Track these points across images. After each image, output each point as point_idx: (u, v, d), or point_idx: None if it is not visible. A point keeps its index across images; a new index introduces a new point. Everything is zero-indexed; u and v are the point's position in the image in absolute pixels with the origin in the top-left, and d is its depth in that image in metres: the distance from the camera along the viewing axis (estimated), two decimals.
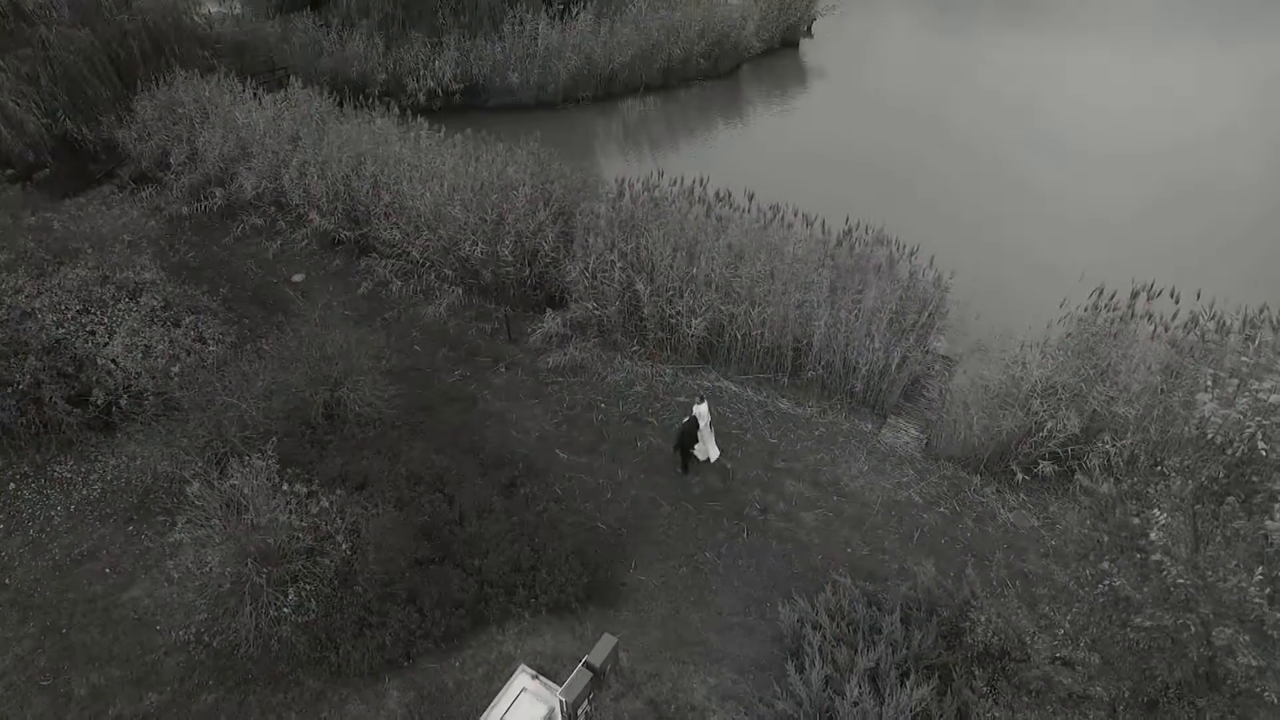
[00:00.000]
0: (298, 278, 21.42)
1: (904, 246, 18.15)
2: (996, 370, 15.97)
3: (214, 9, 35.25)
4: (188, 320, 15.97)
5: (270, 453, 11.50)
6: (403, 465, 14.29)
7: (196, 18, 30.89)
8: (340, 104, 24.80)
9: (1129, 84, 35.59)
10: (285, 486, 10.67)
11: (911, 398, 17.87)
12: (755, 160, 28.36)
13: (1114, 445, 14.36)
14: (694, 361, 18.56)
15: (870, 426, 17.25)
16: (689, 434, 15.33)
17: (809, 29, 40.75)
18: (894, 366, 16.83)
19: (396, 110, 24.07)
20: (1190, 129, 30.46)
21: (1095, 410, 15.02)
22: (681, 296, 17.93)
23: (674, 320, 18.11)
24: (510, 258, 19.18)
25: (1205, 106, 32.72)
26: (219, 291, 20.09)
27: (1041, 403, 15.08)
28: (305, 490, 11.07)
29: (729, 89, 35.66)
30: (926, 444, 16.71)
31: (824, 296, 17.26)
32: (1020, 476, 14.84)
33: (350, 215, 21.87)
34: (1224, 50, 39.69)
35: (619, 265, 18.19)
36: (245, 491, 10.38)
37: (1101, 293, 16.18)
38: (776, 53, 38.82)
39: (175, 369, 13.43)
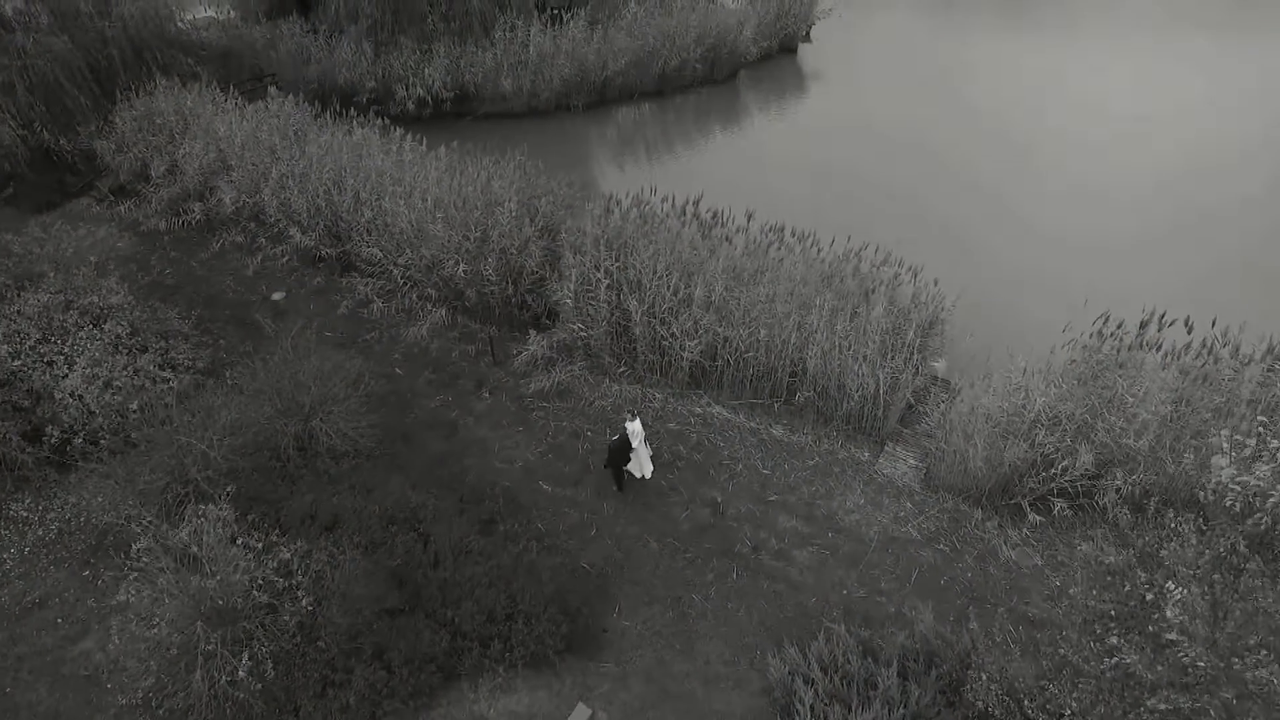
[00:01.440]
0: (278, 296, 20.78)
1: (904, 267, 17.51)
2: (998, 398, 15.31)
3: (201, 13, 34.64)
4: (156, 346, 15.32)
5: (226, 503, 10.85)
6: (376, 502, 13.64)
7: (180, 24, 30.26)
8: (321, 113, 24.07)
9: (1138, 90, 34.90)
10: (240, 542, 10.02)
11: (910, 423, 17.20)
12: (750, 171, 27.73)
13: (1125, 481, 13.76)
14: (684, 386, 17.90)
15: (867, 455, 16.59)
16: (620, 451, 14.73)
17: (807, 34, 40.05)
18: (889, 390, 16.18)
19: (379, 121, 23.34)
20: (1202, 143, 29.80)
21: (1102, 442, 14.37)
22: (675, 318, 17.29)
23: (666, 342, 17.47)
24: (494, 277, 18.55)
25: (1220, 118, 32.01)
26: (193, 312, 19.47)
27: (1047, 434, 14.42)
28: (263, 543, 10.42)
29: (725, 96, 34.99)
30: (925, 474, 16.05)
31: (824, 320, 16.60)
32: (1031, 516, 14.22)
33: (332, 231, 21.23)
34: (1238, 57, 38.97)
35: (605, 284, 17.53)
36: (197, 547, 9.73)
37: (1108, 319, 15.53)
38: (774, 58, 38.15)
39: (134, 405, 12.77)
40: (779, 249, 18.43)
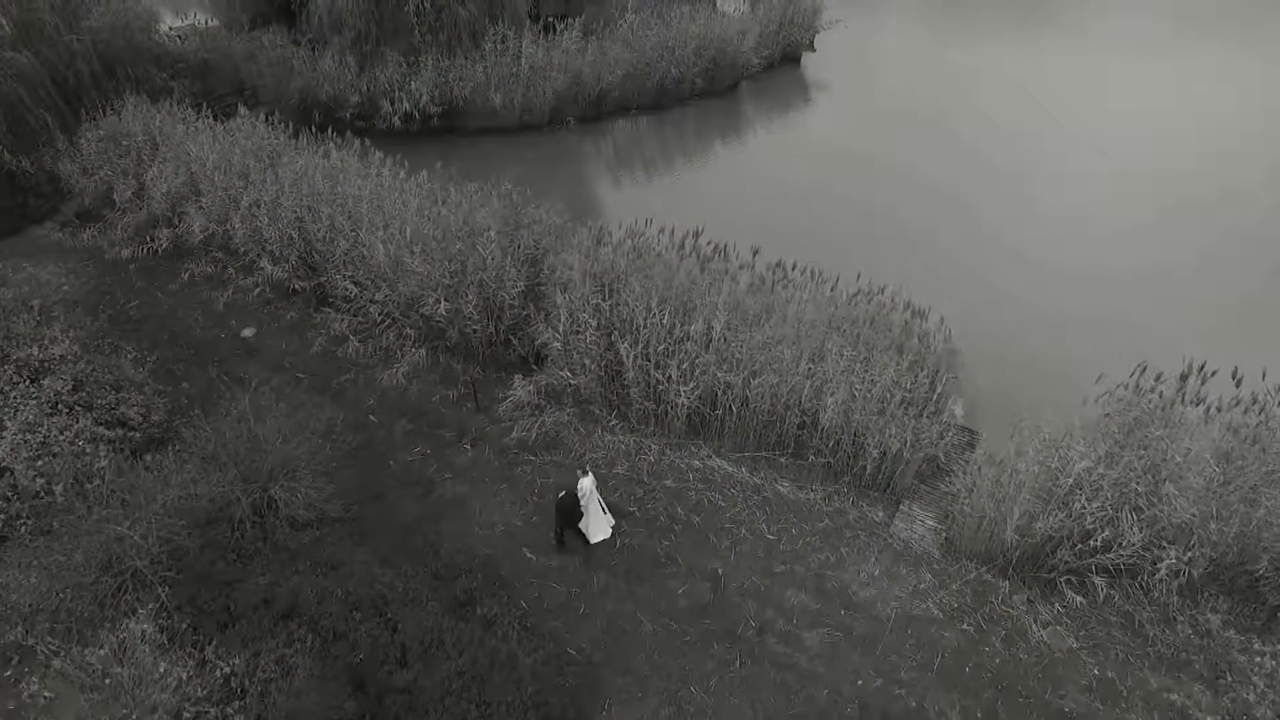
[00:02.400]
0: (248, 333, 19.41)
1: (922, 309, 16.15)
2: (1031, 458, 13.93)
3: (181, 21, 33.29)
4: (103, 402, 13.95)
5: (164, 592, 9.49)
6: (340, 582, 12.30)
7: (156, 36, 28.89)
8: (300, 131, 22.66)
9: (1155, 101, 33.54)
10: (163, 668, 8.65)
11: (928, 477, 15.84)
12: (751, 193, 26.38)
13: (1178, 559, 12.40)
14: (682, 436, 16.54)
15: (881, 514, 15.23)
16: (568, 512, 13.50)
17: (811, 43, 38.67)
18: (908, 448, 14.81)
19: (360, 141, 21.94)
20: (1228, 165, 28.39)
21: (1151, 515, 12.99)
22: (671, 360, 15.92)
23: (661, 387, 16.11)
24: (475, 314, 17.19)
25: (1245, 139, 30.58)
26: (154, 355, 18.16)
27: (1086, 501, 13.04)
28: (196, 660, 9.06)
29: (726, 109, 33.63)
30: (946, 538, 14.68)
31: (839, 369, 15.23)
32: (1072, 598, 12.89)
33: (306, 261, 19.87)
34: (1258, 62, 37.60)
35: (594, 325, 16.16)
36: (119, 666, 8.39)
37: (1144, 370, 14.14)
38: (777, 68, 36.77)
39: (59, 488, 11.39)
40: (785, 287, 17.05)
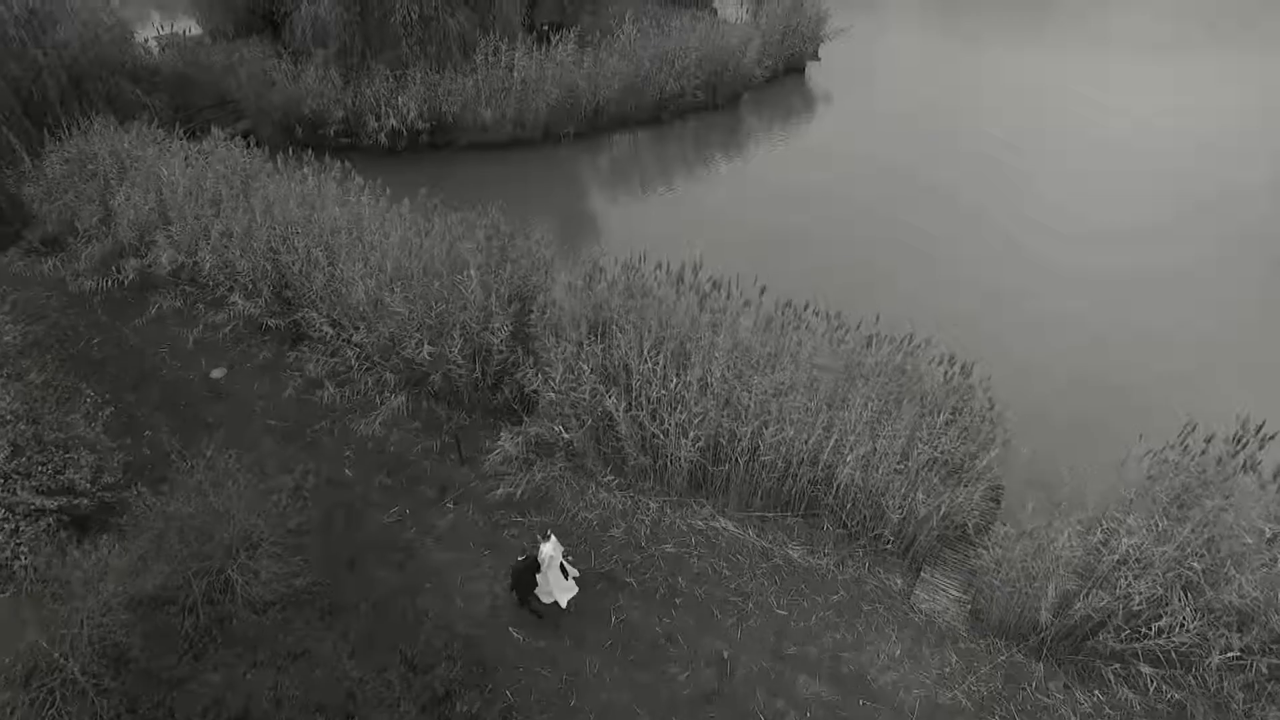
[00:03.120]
0: (217, 374, 18.12)
1: (948, 354, 14.88)
2: (1065, 527, 12.65)
3: (161, 31, 31.96)
4: (44, 468, 12.65)
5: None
6: (302, 678, 11.00)
7: (130, 48, 27.54)
8: (273, 156, 21.34)
9: (1165, 114, 32.26)
10: None
11: (951, 539, 14.55)
12: (754, 216, 25.08)
13: (1241, 646, 11.13)
14: (684, 492, 15.26)
15: (900, 582, 13.95)
16: (524, 576, 12.41)
17: (815, 52, 37.39)
18: (937, 517, 13.53)
19: (340, 164, 20.63)
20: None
21: (1199, 586, 11.73)
22: (670, 410, 14.63)
23: (658, 441, 14.82)
24: (459, 358, 15.90)
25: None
26: (118, 397, 16.91)
27: (1132, 579, 11.77)
28: None
29: (728, 123, 32.34)
30: (972, 610, 13.41)
31: (861, 420, 13.98)
32: (1121, 692, 11.62)
33: (280, 295, 18.57)
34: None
35: (588, 371, 14.87)
36: None
37: (1194, 429, 12.87)
38: (780, 79, 35.49)
39: None
40: (798, 328, 15.75)
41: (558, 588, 12.79)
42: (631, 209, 26.36)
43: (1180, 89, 34.63)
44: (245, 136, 26.78)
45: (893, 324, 15.68)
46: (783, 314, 15.98)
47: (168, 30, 33.45)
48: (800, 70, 36.45)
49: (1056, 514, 12.82)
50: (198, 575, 11.53)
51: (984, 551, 13.57)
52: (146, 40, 29.29)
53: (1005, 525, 13.83)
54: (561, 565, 12.87)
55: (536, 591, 12.76)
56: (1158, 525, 12.04)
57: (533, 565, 12.44)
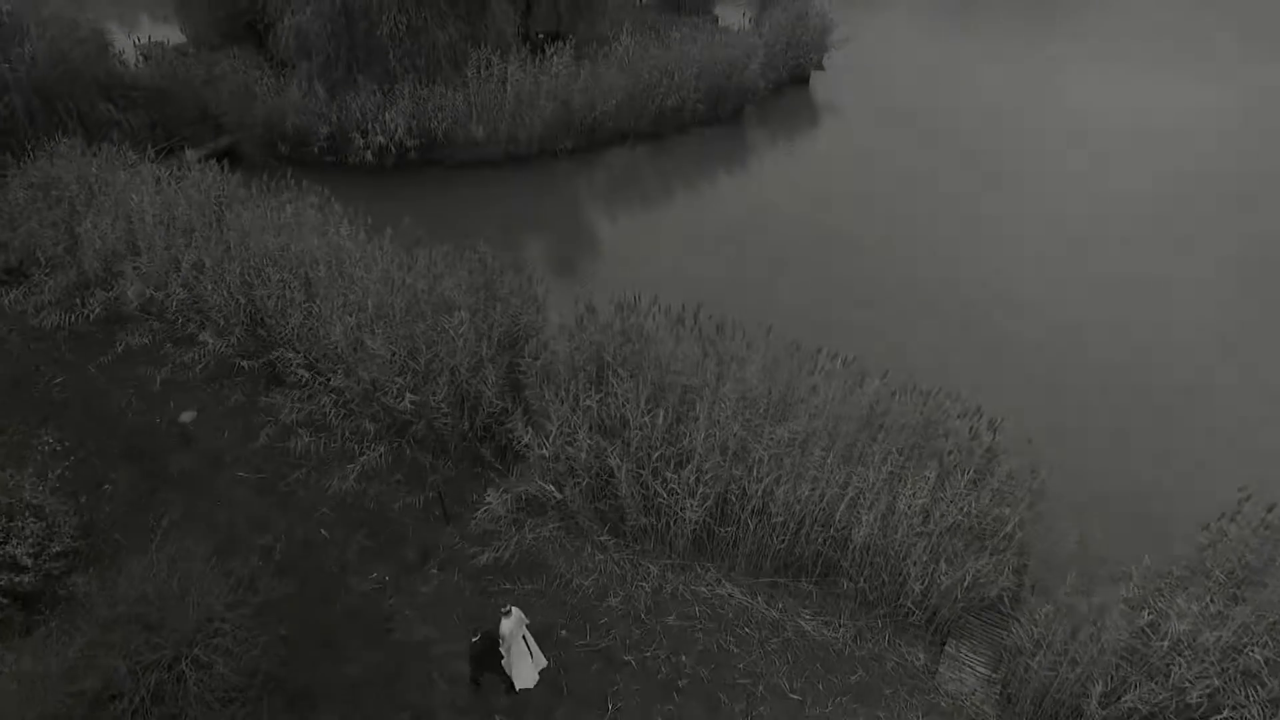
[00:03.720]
0: (186, 418, 16.90)
1: (974, 407, 13.72)
2: (1109, 603, 11.49)
3: (137, 42, 30.70)
4: None
5: None
6: None
7: (105, 60, 26.29)
8: (249, 181, 20.14)
9: (1183, 129, 31.10)
10: None
11: (976, 607, 13.35)
12: (757, 244, 23.88)
13: None
14: (687, 555, 14.07)
15: (923, 657, 12.80)
16: (482, 659, 11.43)
17: (819, 62, 36.20)
18: (962, 589, 12.36)
19: (320, 188, 19.43)
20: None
21: (1260, 677, 10.57)
22: (674, 468, 13.45)
23: (660, 500, 13.62)
24: (445, 407, 14.72)
25: None
26: (78, 445, 15.72)
27: (1186, 666, 10.60)
28: None
29: (730, 137, 31.18)
30: (1003, 693, 12.23)
31: (880, 478, 12.82)
32: None
33: (254, 333, 17.37)
34: None
35: (584, 427, 13.68)
36: None
37: (1250, 497, 11.69)
38: (784, 90, 34.30)
39: None
40: (812, 373, 14.58)
41: (520, 664, 11.69)
42: (627, 229, 25.21)
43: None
44: (225, 155, 25.62)
45: (913, 371, 14.56)
46: (793, 358, 14.81)
47: (152, 39, 32.28)
48: (804, 81, 35.27)
49: (1098, 589, 11.69)
50: (146, 670, 10.32)
51: (1017, 625, 12.43)
52: (122, 52, 27.92)
53: (1037, 596, 12.72)
54: (524, 638, 11.80)
55: (503, 664, 11.65)
56: (1212, 606, 10.88)
57: (492, 644, 11.38)
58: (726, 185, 27.76)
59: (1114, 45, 41.50)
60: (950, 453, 13.75)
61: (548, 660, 12.19)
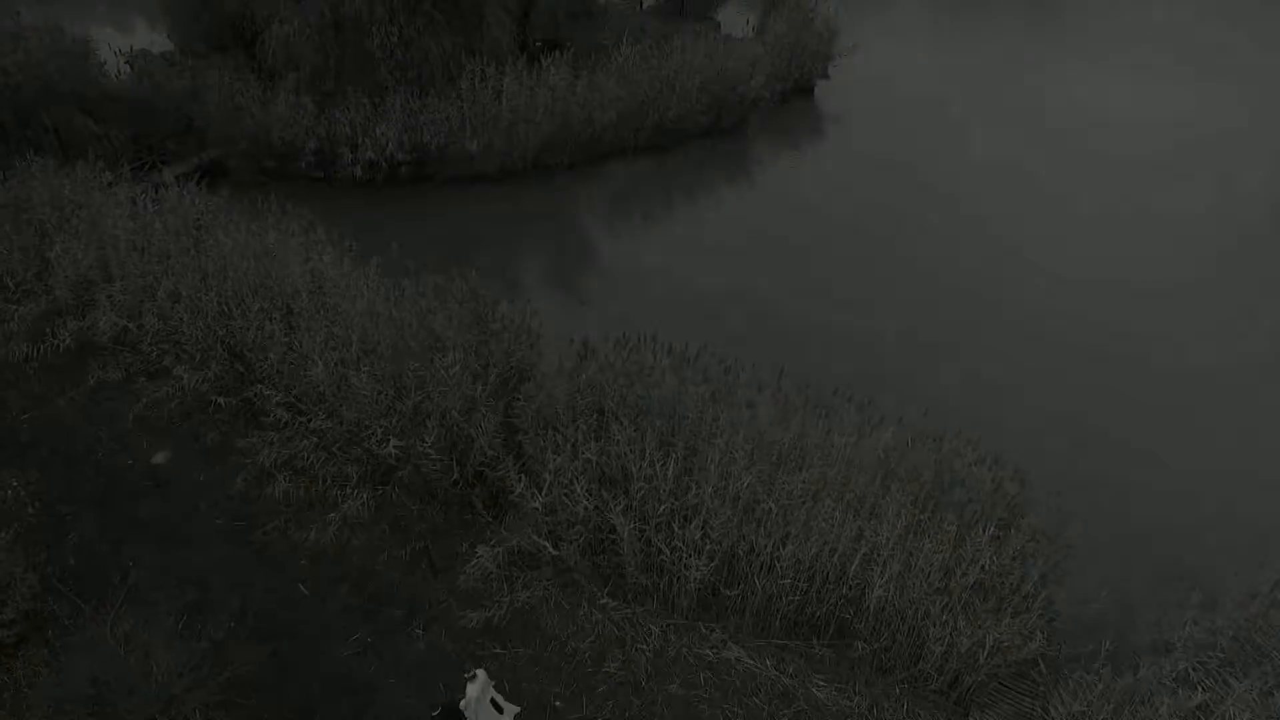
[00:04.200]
0: (159, 458, 15.95)
1: (996, 457, 12.85)
2: (1153, 675, 10.60)
3: (120, 52, 29.68)
4: None
5: None
6: None
7: (86, 71, 25.29)
8: (229, 200, 19.20)
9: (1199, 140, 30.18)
10: None
11: (1003, 674, 12.43)
12: (762, 267, 22.92)
13: None
14: (691, 614, 13.14)
15: None
16: None
17: (825, 70, 35.27)
18: (985, 654, 11.47)
19: (305, 210, 18.52)
20: None
21: None
22: (684, 526, 12.53)
23: (663, 558, 12.71)
24: (435, 453, 13.79)
25: None
26: (44, 490, 14.80)
27: None
28: None
29: (733, 149, 30.28)
30: None
31: (895, 533, 11.96)
32: None
33: (232, 368, 16.43)
34: None
35: (584, 485, 12.76)
36: None
37: None
38: (788, 101, 33.37)
39: None
40: (825, 416, 13.68)
41: None
42: (628, 247, 24.30)
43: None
44: (209, 171, 24.68)
45: (932, 416, 13.66)
46: (805, 400, 13.91)
47: (135, 47, 31.25)
48: (809, 90, 34.34)
49: (1140, 657, 10.84)
50: None
51: (1049, 699, 11.53)
52: (104, 63, 26.89)
53: (1068, 664, 11.84)
54: (493, 701, 10.99)
55: None
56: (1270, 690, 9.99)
57: (455, 715, 10.46)
58: (728, 196, 26.85)
59: (1155, 55, 40.46)
60: (969, 502, 12.95)
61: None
